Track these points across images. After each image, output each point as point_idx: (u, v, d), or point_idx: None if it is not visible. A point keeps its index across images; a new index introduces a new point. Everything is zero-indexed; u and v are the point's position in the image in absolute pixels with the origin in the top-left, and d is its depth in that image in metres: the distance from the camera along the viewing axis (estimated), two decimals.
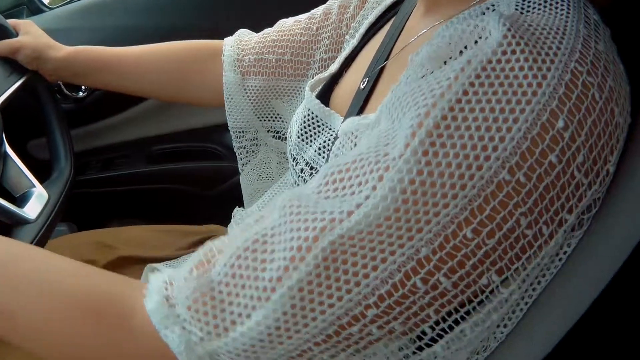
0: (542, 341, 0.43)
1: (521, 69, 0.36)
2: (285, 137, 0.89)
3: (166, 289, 0.42)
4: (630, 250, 0.40)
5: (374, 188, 0.37)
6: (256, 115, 0.88)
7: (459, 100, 0.36)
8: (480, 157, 0.35)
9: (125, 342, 0.43)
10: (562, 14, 0.41)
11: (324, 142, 0.61)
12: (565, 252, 0.42)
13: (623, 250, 0.41)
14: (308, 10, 0.86)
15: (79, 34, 1.16)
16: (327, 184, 0.41)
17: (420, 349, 0.43)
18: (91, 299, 0.44)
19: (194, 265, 0.43)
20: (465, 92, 0.36)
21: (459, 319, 0.41)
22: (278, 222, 0.41)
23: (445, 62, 0.41)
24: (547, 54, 0.37)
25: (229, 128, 0.89)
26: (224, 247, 0.43)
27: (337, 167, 0.41)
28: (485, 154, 0.35)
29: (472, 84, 0.37)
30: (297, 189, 0.43)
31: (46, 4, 1.25)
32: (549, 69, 0.36)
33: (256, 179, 0.91)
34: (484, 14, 0.43)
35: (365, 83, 0.59)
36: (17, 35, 0.91)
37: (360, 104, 0.57)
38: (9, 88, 0.85)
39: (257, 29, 0.91)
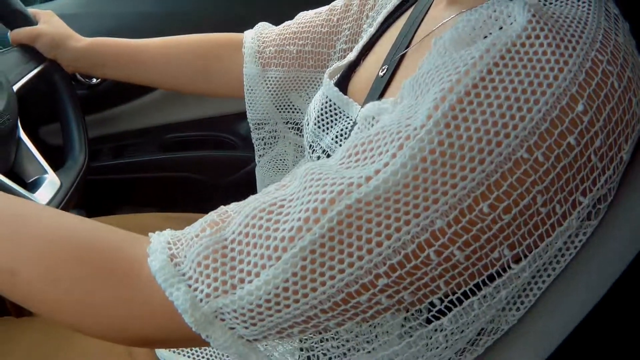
0: (552, 334, 0.44)
1: (544, 53, 0.37)
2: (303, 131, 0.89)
3: (170, 249, 0.43)
4: None
5: (394, 155, 0.38)
6: (275, 106, 0.88)
7: (482, 79, 0.37)
8: (500, 134, 0.36)
9: (133, 301, 0.43)
10: (583, 7, 0.42)
11: (341, 129, 0.61)
12: (580, 241, 0.43)
13: (636, 242, 0.42)
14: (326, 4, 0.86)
15: (94, 20, 1.16)
16: (349, 156, 0.41)
17: (427, 321, 0.44)
18: (100, 256, 0.44)
19: (206, 224, 0.43)
20: (489, 71, 0.37)
21: (469, 293, 0.42)
22: (298, 189, 0.41)
23: (469, 46, 0.41)
24: (569, 41, 0.38)
25: (248, 120, 0.89)
26: (240, 209, 0.43)
27: (360, 139, 0.41)
28: (505, 131, 0.36)
29: (496, 64, 0.37)
30: (321, 160, 0.44)
31: None
32: (570, 56, 0.37)
33: (272, 172, 0.91)
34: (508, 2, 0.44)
35: (385, 70, 0.59)
36: (37, 23, 0.91)
37: (380, 92, 0.57)
38: (26, 75, 0.85)
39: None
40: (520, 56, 0.37)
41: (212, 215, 0.44)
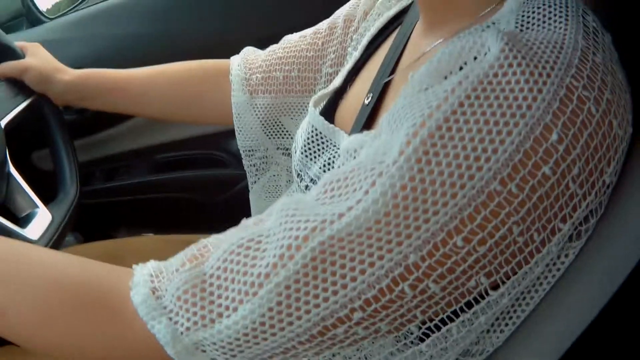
0: (544, 352, 0.44)
1: (517, 82, 0.37)
2: None
3: (152, 282, 0.44)
4: (636, 261, 0.41)
5: (366, 192, 0.38)
6: (266, 133, 0.88)
7: (454, 112, 0.37)
8: (472, 167, 0.36)
9: (118, 335, 0.44)
10: (560, 28, 0.41)
11: (329, 158, 0.61)
12: (563, 262, 0.43)
13: (627, 261, 0.41)
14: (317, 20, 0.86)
15: (81, 44, 1.15)
16: (325, 192, 0.42)
17: (406, 346, 0.44)
18: (83, 292, 0.45)
19: (186, 258, 0.44)
20: (461, 104, 0.37)
21: (446, 319, 0.42)
22: (275, 224, 0.42)
23: (445, 78, 0.41)
24: (543, 68, 0.37)
25: (239, 147, 0.89)
26: (219, 243, 0.44)
27: (336, 175, 0.42)
28: (478, 164, 0.36)
29: (468, 97, 0.37)
30: (298, 195, 0.44)
31: (45, 13, 1.22)
32: (544, 83, 0.37)
33: (265, 197, 0.91)
34: (483, 31, 0.44)
35: (370, 98, 0.59)
36: (24, 57, 0.90)
37: (365, 120, 0.57)
38: (14, 108, 0.85)
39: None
40: (492, 87, 0.37)
41: (192, 249, 0.46)
